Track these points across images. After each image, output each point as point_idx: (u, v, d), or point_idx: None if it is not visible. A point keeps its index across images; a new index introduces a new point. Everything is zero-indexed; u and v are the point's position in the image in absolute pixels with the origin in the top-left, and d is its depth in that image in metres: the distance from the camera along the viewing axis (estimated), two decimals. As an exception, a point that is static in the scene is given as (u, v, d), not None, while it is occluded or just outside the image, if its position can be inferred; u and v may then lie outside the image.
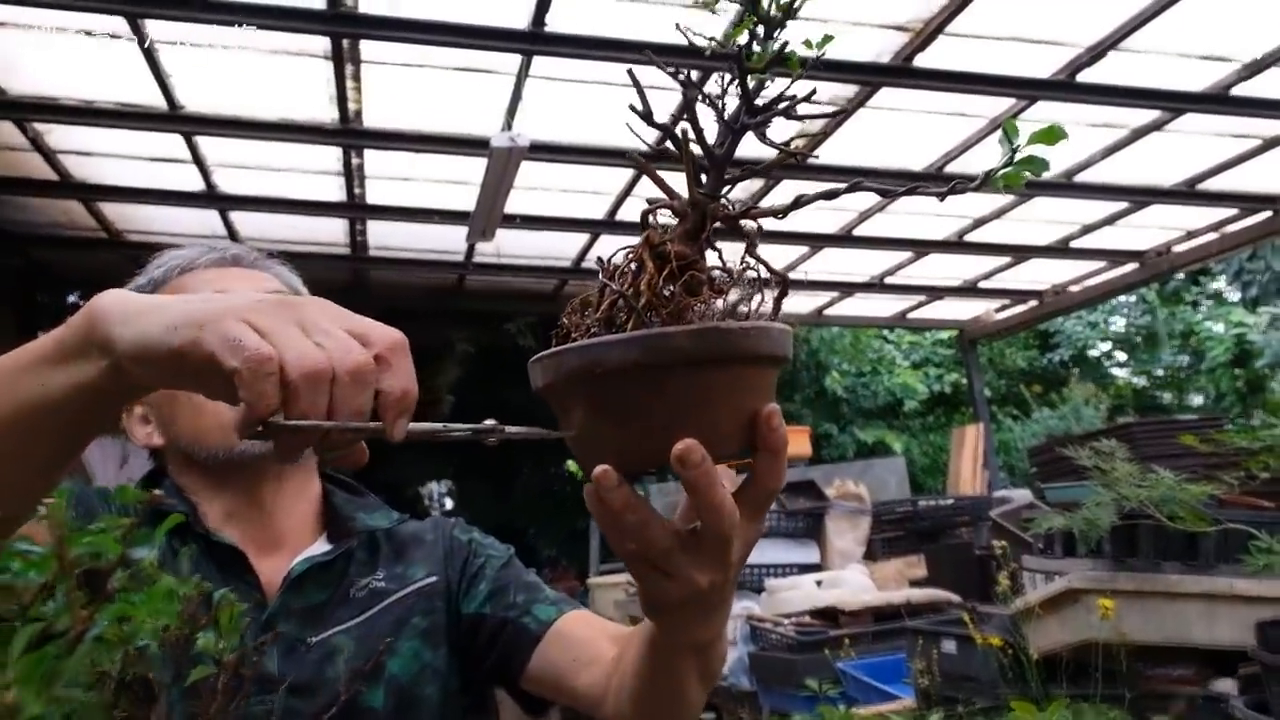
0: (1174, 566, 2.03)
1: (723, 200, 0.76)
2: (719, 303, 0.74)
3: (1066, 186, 5.66)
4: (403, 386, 0.73)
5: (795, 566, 5.87)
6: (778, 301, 0.75)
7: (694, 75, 0.75)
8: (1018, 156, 0.70)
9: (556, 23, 3.88)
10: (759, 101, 0.74)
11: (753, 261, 0.76)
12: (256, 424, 0.68)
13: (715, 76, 0.75)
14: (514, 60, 4.17)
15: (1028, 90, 4.56)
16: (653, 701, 1.08)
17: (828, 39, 0.74)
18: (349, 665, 1.21)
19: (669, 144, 0.75)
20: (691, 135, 0.74)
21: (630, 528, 0.70)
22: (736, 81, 0.74)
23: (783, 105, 0.73)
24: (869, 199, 5.91)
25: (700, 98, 0.74)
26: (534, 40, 3.96)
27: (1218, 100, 4.65)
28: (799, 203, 0.75)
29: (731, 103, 0.74)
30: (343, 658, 1.22)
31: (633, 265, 0.74)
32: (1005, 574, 2.61)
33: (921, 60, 4.26)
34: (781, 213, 0.76)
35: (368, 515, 1.38)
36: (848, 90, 4.57)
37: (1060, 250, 6.96)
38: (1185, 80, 4.55)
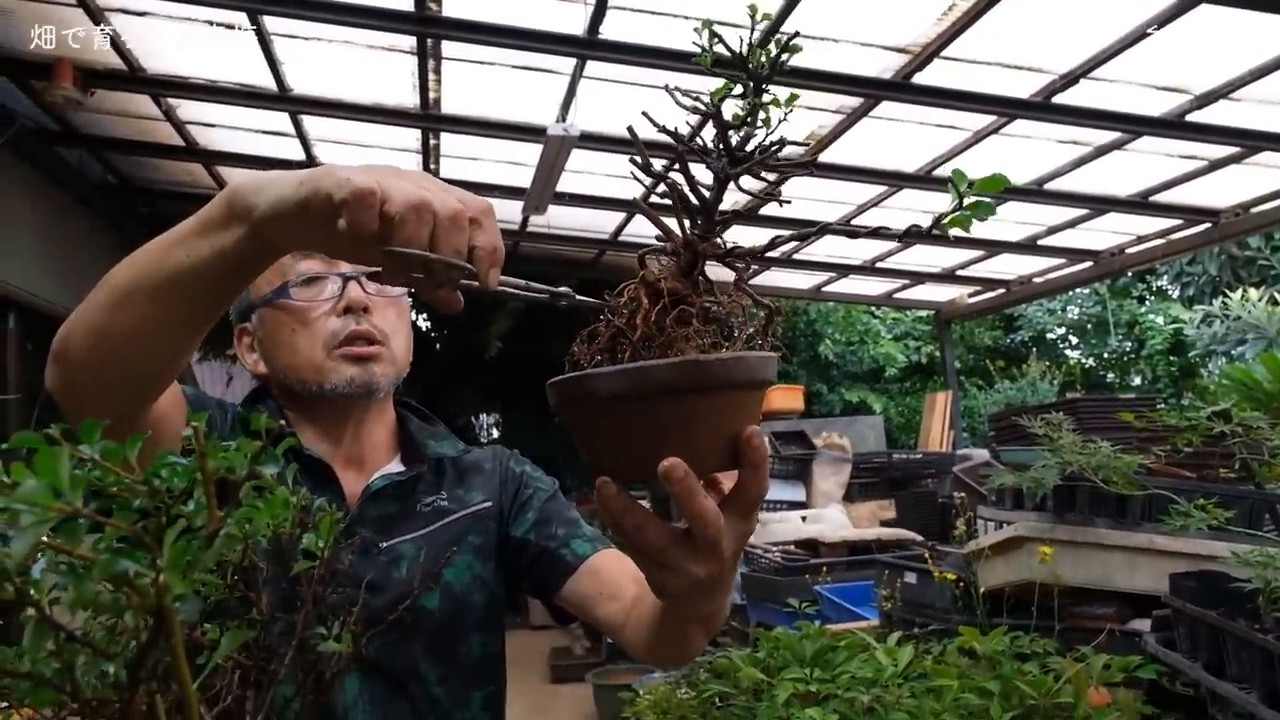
0: (1105, 522, 2.02)
1: (714, 239, 0.73)
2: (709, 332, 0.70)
3: (1037, 193, 5.57)
4: (493, 243, 0.73)
5: (785, 503, 5.91)
6: (765, 329, 0.72)
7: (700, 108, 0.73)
8: (965, 202, 0.66)
9: (609, 31, 3.84)
10: (749, 145, 0.71)
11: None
12: (362, 249, 0.69)
13: (708, 126, 0.72)
14: (570, 62, 4.13)
15: (1008, 109, 4.47)
16: (661, 645, 1.09)
17: (794, 97, 0.71)
18: (411, 569, 1.21)
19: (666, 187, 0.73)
20: (683, 183, 0.72)
21: (629, 529, 0.68)
22: (719, 136, 0.71)
23: (761, 157, 0.71)
24: (868, 193, 5.85)
25: (691, 151, 0.72)
26: (588, 46, 3.92)
27: (1172, 125, 4.55)
28: (773, 244, 0.74)
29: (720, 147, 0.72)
30: (406, 562, 1.22)
31: (632, 301, 0.71)
32: (963, 520, 2.61)
33: (919, 78, 4.19)
34: (761, 252, 0.74)
35: (438, 444, 1.37)
36: (854, 100, 4.51)
37: (1027, 247, 6.86)
38: (1145, 106, 4.46)
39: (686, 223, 0.73)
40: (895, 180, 5.53)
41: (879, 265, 7.56)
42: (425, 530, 1.27)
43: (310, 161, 5.45)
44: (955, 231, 0.69)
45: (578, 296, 0.81)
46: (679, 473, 0.64)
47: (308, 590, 0.73)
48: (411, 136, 5.26)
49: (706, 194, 0.72)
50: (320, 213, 0.71)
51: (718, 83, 0.72)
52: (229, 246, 0.79)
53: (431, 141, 5.29)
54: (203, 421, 0.50)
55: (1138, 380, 13.55)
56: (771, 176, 0.74)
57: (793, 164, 0.72)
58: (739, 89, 0.71)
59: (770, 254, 0.74)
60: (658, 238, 0.74)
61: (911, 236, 0.68)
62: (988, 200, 0.66)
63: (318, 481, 1.21)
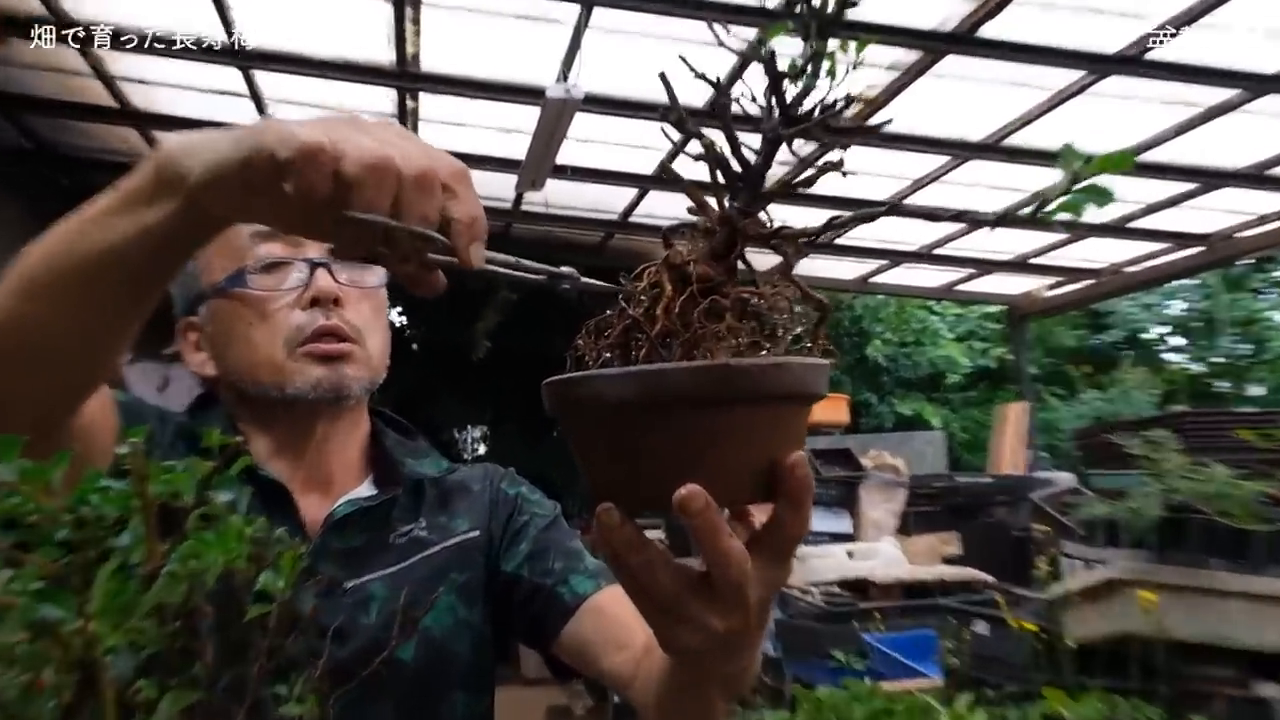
0: (1221, 564, 1.99)
1: (758, 216, 0.71)
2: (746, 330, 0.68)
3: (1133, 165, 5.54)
4: (472, 213, 0.73)
5: (827, 535, 5.90)
6: (816, 330, 0.70)
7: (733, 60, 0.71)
8: (1079, 185, 0.63)
9: (620, -27, 3.86)
10: (805, 102, 0.69)
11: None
12: (313, 216, 0.68)
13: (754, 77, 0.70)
14: (574, 10, 4.13)
15: (1097, 64, 4.46)
16: (674, 709, 1.05)
17: (865, 43, 0.69)
18: (383, 613, 1.19)
19: (701, 148, 0.71)
20: (725, 146, 0.69)
21: (635, 569, 0.67)
22: (771, 89, 0.69)
23: (820, 116, 0.68)
24: (926, 165, 5.83)
25: (733, 105, 0.70)
26: (596, -10, 3.93)
27: (1299, 83, 4.52)
28: (831, 225, 0.71)
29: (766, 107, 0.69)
30: (377, 605, 1.20)
31: (653, 286, 0.69)
32: (1044, 558, 2.60)
33: (987, 29, 4.18)
34: (815, 234, 0.72)
35: (417, 462, 1.36)
36: (910, 56, 4.50)
37: (1120, 229, 6.83)
38: (1267, 60, 4.42)
39: (725, 196, 0.72)
40: (959, 150, 5.52)
41: (938, 252, 7.54)
42: (399, 566, 1.25)
43: (264, 126, 5.47)
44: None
45: (584, 279, 0.79)
46: (699, 503, 0.62)
47: (262, 642, 0.72)
48: (386, 98, 5.28)
49: (751, 160, 0.70)
50: (263, 174, 0.71)
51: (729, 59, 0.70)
52: (157, 222, 0.78)
53: (409, 104, 5.32)
54: (142, 437, 0.50)
55: (1258, 390, 13.46)
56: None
57: (863, 128, 0.70)
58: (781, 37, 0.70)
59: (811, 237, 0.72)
60: (689, 210, 0.73)
61: (1005, 224, 0.66)
62: (1106, 185, 0.63)
63: (271, 507, 1.19)
